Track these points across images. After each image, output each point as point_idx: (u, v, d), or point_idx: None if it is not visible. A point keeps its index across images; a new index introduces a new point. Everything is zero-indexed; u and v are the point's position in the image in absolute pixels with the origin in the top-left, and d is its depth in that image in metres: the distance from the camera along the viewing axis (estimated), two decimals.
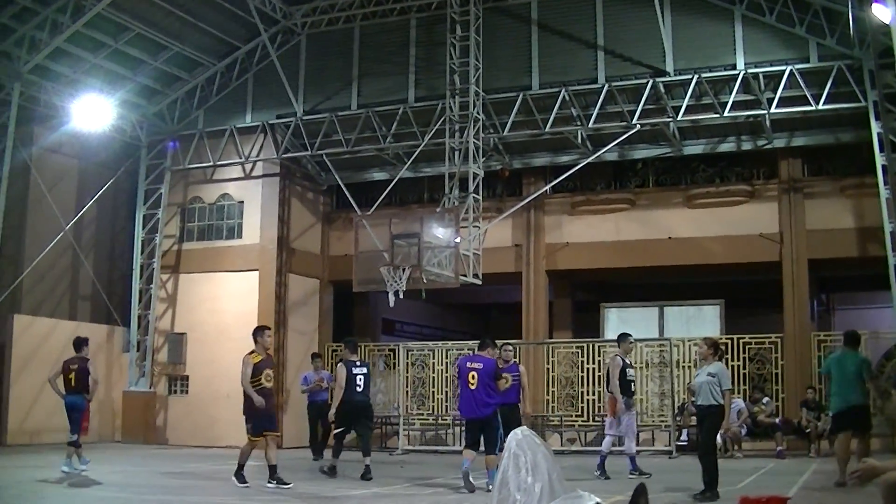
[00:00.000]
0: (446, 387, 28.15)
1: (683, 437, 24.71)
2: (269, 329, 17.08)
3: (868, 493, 5.77)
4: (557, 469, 5.56)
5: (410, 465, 22.11)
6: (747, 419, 24.06)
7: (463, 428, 27.00)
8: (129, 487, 16.49)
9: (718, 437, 22.44)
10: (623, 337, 19.35)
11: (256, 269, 28.84)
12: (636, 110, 25.11)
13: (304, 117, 28.46)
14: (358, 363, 18.71)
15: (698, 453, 15.00)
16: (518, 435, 5.68)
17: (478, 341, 17.85)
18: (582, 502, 4.44)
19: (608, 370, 19.15)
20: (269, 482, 15.96)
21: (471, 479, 15.72)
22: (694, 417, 17.35)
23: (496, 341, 17.50)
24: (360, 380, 18.40)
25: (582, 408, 27.06)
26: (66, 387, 18.92)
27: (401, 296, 22.88)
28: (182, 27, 27.35)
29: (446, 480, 18.04)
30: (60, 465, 18.46)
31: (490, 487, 15.61)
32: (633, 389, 18.93)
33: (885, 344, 26.52)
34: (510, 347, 19.82)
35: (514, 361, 19.81)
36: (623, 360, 18.93)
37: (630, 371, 18.89)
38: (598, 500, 4.31)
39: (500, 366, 18.54)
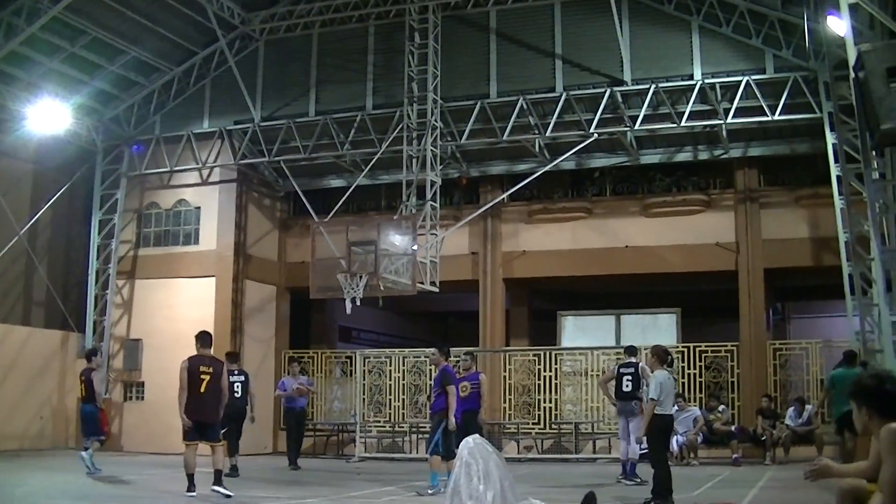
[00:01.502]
0: (403, 394, 28.12)
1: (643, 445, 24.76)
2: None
3: (825, 502, 5.81)
4: (509, 477, 5.56)
5: (367, 473, 22.06)
6: (703, 427, 24.16)
7: (419, 436, 27.19)
8: (85, 497, 16.34)
9: (674, 444, 22.81)
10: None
11: (213, 276, 28.70)
12: (594, 119, 25.17)
13: (262, 123, 28.36)
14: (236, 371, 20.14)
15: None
16: (470, 443, 5.68)
17: (450, 349, 18.14)
18: None
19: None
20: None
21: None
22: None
23: (449, 349, 17.73)
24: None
25: (539, 415, 27.10)
26: (81, 396, 20.45)
27: (358, 303, 22.87)
28: (139, 32, 27.18)
29: (401, 487, 18.03)
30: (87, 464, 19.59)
31: (429, 491, 15.94)
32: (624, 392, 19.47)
33: (838, 353, 26.68)
34: (467, 357, 19.96)
35: (476, 370, 19.97)
36: (619, 366, 19.83)
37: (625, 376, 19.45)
38: None
39: (460, 374, 18.92)
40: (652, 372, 15.24)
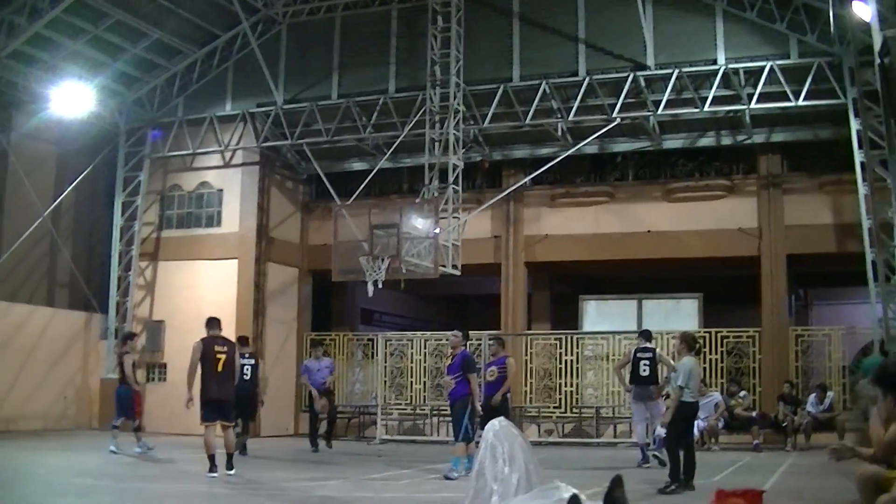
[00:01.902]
0: (424, 377, 28.16)
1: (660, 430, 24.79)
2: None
3: (846, 489, 5.82)
4: (534, 459, 5.58)
5: (388, 455, 22.13)
6: (724, 412, 24.14)
7: (440, 418, 27.25)
8: (107, 476, 16.46)
9: (696, 430, 22.85)
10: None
11: (235, 258, 28.76)
12: (616, 104, 25.11)
13: (285, 106, 28.37)
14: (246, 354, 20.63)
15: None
16: (495, 426, 5.69)
17: (469, 332, 18.45)
18: (558, 493, 4.46)
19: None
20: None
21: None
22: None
23: (468, 333, 18.08)
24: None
25: (560, 399, 27.11)
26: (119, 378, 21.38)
27: (380, 286, 22.87)
28: (162, 14, 27.18)
29: (424, 469, 18.09)
30: (109, 446, 20.49)
31: (452, 475, 16.04)
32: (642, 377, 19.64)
33: (860, 339, 26.68)
34: (493, 342, 20.10)
35: (504, 354, 20.06)
36: (635, 350, 19.84)
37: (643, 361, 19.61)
38: (575, 490, 4.32)
39: (490, 360, 19.28)
40: (679, 358, 15.21)
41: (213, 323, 16.72)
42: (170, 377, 28.48)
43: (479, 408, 16.83)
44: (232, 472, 16.00)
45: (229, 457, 16.19)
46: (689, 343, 15.17)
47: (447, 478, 16.02)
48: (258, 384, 21.71)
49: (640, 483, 14.61)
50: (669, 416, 14.87)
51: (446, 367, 17.64)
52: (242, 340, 21.19)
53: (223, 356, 16.21)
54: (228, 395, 16.34)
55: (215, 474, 15.78)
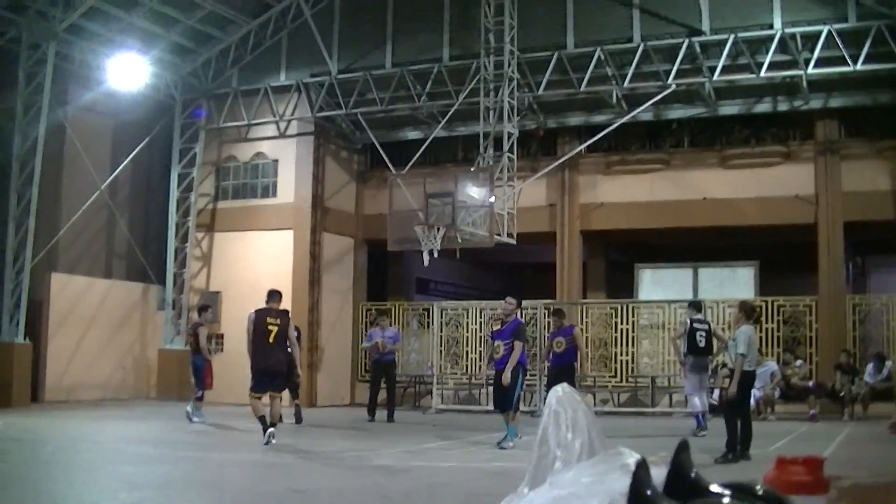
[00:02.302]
0: (480, 346, 28.16)
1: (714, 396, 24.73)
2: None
3: None
4: (597, 426, 5.58)
5: (442, 424, 22.22)
6: (780, 382, 24.02)
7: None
8: (165, 444, 16.67)
9: (752, 399, 22.81)
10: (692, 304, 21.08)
11: (291, 228, 28.87)
12: (671, 70, 24.91)
13: (339, 76, 28.38)
14: None
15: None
16: (559, 392, 5.69)
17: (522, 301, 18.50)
18: (622, 458, 4.46)
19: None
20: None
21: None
22: (727, 380, 17.48)
23: (521, 301, 18.21)
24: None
25: (615, 368, 27.06)
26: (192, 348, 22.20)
27: (435, 255, 22.89)
28: None
29: (478, 438, 18.15)
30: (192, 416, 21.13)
31: (502, 444, 16.15)
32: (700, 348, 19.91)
33: None
34: (552, 317, 20.48)
35: (569, 324, 20.30)
36: (692, 321, 20.01)
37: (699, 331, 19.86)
38: (639, 456, 4.32)
39: (553, 330, 19.56)
40: (737, 326, 15.18)
41: (270, 295, 17.21)
42: (227, 347, 28.68)
43: (508, 376, 16.57)
44: (273, 441, 16.22)
45: (272, 426, 16.42)
46: (747, 311, 15.12)
47: (501, 447, 16.08)
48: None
49: (697, 452, 14.55)
50: (735, 386, 14.78)
51: (493, 333, 17.65)
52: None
53: (275, 328, 16.62)
54: (279, 366, 16.83)
55: (272, 429, 16.23)
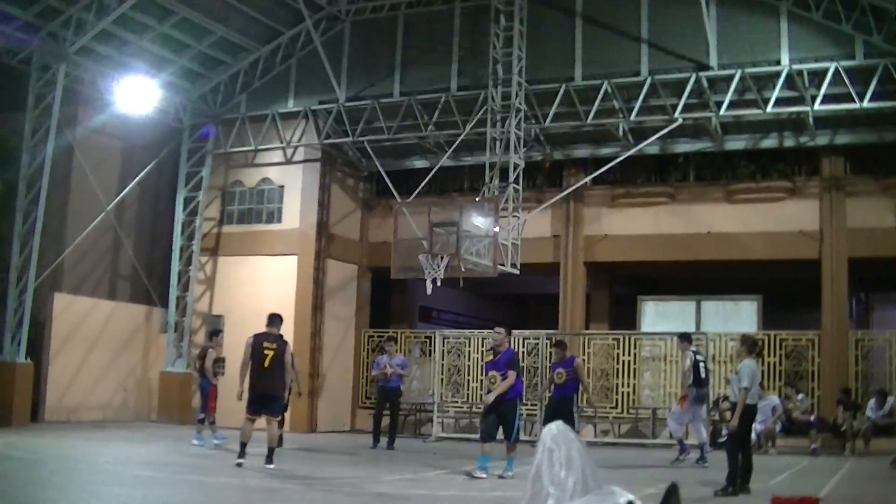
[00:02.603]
0: (481, 375, 28.13)
1: (724, 432, 24.70)
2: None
3: None
4: (591, 464, 5.60)
5: (443, 452, 22.20)
6: (782, 416, 24.00)
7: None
8: (166, 467, 16.67)
9: (753, 433, 22.85)
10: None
11: (295, 254, 28.94)
12: (679, 104, 25.00)
13: (346, 104, 28.49)
14: None
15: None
16: (553, 430, 5.72)
17: (512, 330, 18.52)
18: (614, 498, 4.49)
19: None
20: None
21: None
22: (728, 413, 17.51)
23: (511, 330, 18.22)
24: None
25: (617, 399, 27.06)
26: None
27: (438, 283, 22.88)
28: (226, 11, 27.36)
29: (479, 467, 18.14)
30: (192, 439, 21.26)
31: (506, 474, 16.09)
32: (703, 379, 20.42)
33: None
34: (553, 348, 20.84)
35: (571, 355, 20.45)
36: (695, 353, 20.46)
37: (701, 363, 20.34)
38: (631, 497, 4.35)
39: (554, 361, 19.66)
40: (739, 360, 15.22)
41: (271, 319, 17.29)
42: (228, 371, 28.63)
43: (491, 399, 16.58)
44: (271, 466, 16.42)
45: (270, 451, 16.66)
46: (749, 345, 15.13)
47: (500, 477, 16.04)
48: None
49: (698, 485, 14.58)
50: (737, 420, 14.79)
51: (487, 364, 17.49)
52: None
53: (271, 352, 16.78)
54: (275, 391, 17.04)
55: (242, 461, 16.46)
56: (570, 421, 18.40)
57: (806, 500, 6.05)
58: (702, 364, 20.15)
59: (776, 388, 25.17)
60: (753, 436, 22.99)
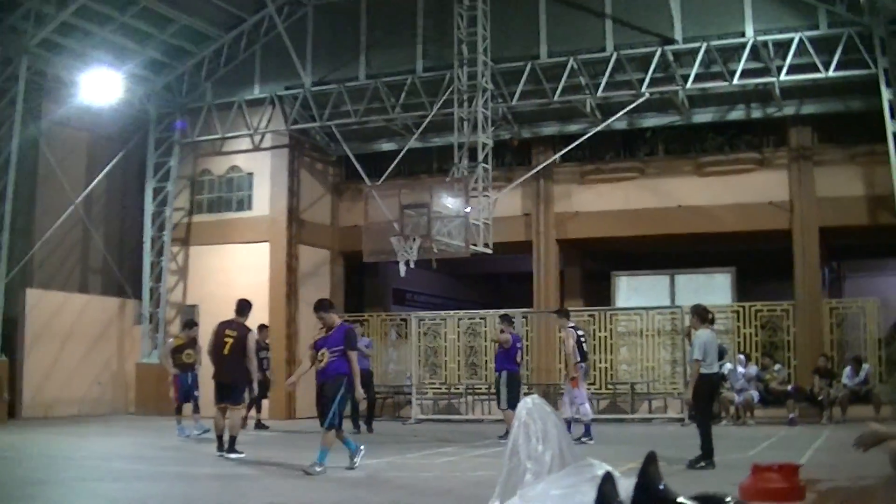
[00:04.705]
0: (458, 356, 28.19)
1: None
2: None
3: (881, 463, 5.77)
4: (568, 438, 5.58)
5: (423, 435, 22.20)
6: (758, 384, 24.10)
7: (472, 397, 27.35)
8: (144, 460, 16.61)
9: (733, 405, 23.06)
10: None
11: (267, 241, 28.84)
12: (645, 79, 25.01)
13: (313, 88, 28.39)
14: None
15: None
16: (528, 403, 5.69)
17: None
18: (592, 470, 4.45)
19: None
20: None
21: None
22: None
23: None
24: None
25: (594, 376, 27.06)
26: None
27: (411, 266, 22.90)
28: (189, 0, 27.23)
29: (459, 449, 18.14)
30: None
31: (312, 470, 14.05)
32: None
33: (894, 312, 26.54)
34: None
35: (512, 332, 20.65)
36: (576, 329, 20.78)
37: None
38: (609, 468, 4.32)
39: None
40: (694, 331, 15.19)
41: (239, 306, 17.38)
42: (204, 361, 28.50)
43: (360, 390, 15.03)
44: (232, 456, 16.44)
45: (232, 440, 16.69)
46: (701, 315, 15.11)
47: (306, 472, 14.09)
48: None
49: (668, 459, 14.60)
50: (691, 391, 14.84)
51: (316, 342, 15.09)
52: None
53: (231, 339, 16.76)
54: (234, 379, 16.93)
55: (221, 452, 16.60)
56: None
57: (786, 467, 6.07)
58: (583, 341, 20.50)
59: (753, 359, 25.23)
60: (733, 408, 23.30)
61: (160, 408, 27.37)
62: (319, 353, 14.70)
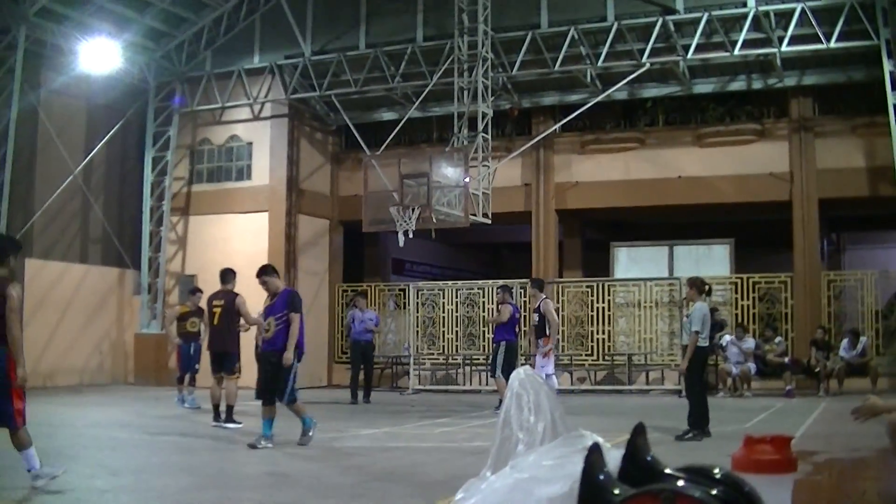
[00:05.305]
0: (457, 326, 28.20)
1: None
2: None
3: (876, 434, 5.79)
4: (560, 408, 5.58)
5: (421, 405, 22.24)
6: (756, 355, 24.14)
7: (470, 367, 27.37)
8: (143, 429, 16.64)
9: (730, 377, 23.12)
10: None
11: (266, 211, 28.81)
12: (646, 49, 24.92)
13: (312, 58, 28.32)
14: None
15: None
16: (521, 374, 5.70)
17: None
18: (583, 441, 4.47)
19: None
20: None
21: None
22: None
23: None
24: None
25: (592, 347, 27.13)
26: None
27: (410, 235, 22.88)
28: None
29: (455, 419, 18.17)
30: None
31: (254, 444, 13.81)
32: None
33: (894, 283, 26.53)
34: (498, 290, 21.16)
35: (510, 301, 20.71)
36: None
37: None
38: (600, 439, 4.33)
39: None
40: (692, 304, 15.14)
41: (221, 276, 17.32)
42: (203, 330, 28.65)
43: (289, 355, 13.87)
44: (230, 426, 16.43)
45: (229, 409, 16.71)
46: (698, 287, 15.05)
47: (252, 446, 13.71)
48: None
49: (652, 431, 14.62)
50: (686, 363, 14.84)
51: (265, 310, 14.21)
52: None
53: (219, 309, 16.78)
54: (226, 347, 16.87)
55: (217, 423, 16.65)
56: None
57: (779, 439, 6.08)
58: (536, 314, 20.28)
59: (752, 330, 25.25)
60: (730, 379, 23.35)
61: (159, 378, 27.51)
62: (266, 322, 13.99)
